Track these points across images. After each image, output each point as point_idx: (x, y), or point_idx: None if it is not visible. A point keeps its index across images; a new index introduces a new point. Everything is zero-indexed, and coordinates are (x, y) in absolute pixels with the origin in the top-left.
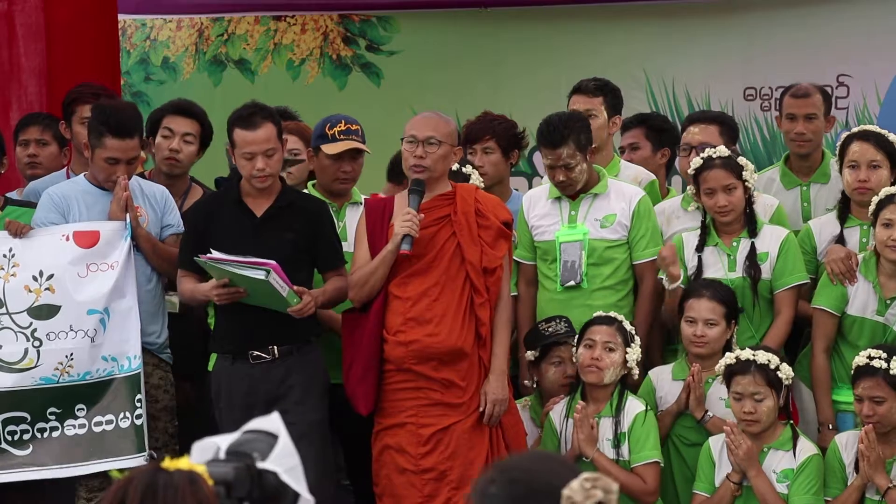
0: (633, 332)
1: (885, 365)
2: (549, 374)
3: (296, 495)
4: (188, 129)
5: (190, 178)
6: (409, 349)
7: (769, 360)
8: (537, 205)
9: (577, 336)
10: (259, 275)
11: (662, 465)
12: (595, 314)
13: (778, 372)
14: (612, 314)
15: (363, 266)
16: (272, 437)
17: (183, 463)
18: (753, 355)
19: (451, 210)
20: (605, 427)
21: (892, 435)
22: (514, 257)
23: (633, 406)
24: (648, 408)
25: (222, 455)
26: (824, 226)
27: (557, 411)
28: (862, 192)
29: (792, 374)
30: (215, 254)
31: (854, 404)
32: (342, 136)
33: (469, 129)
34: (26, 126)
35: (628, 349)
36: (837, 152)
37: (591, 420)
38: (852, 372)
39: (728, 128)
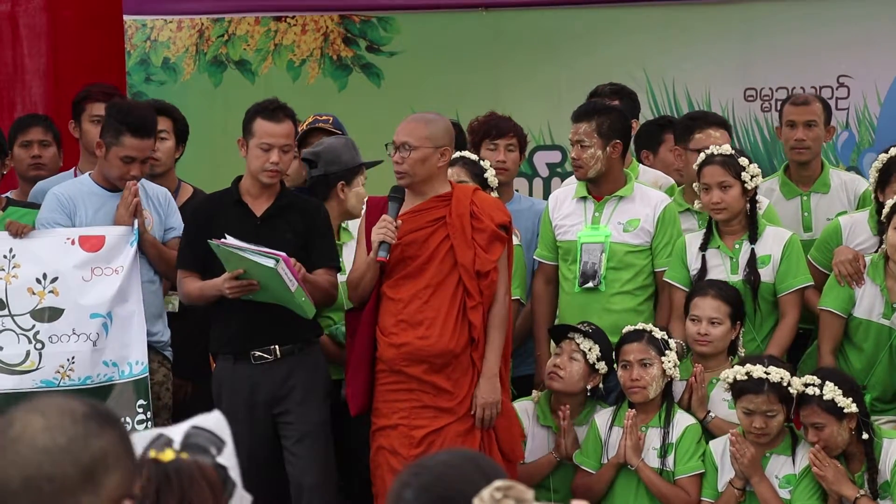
0: (665, 336)
1: (818, 391)
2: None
3: (236, 492)
4: (160, 127)
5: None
6: (401, 351)
7: (782, 378)
8: (563, 205)
9: (614, 352)
10: (269, 262)
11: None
12: (624, 330)
13: (789, 387)
14: (641, 326)
15: (358, 268)
16: (219, 439)
17: (167, 455)
18: (766, 373)
19: (447, 212)
20: (653, 437)
21: (851, 453)
22: (535, 256)
23: (683, 418)
24: (697, 421)
25: (177, 446)
26: (856, 225)
27: (603, 418)
28: None
29: (800, 385)
30: (229, 239)
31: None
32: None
33: (492, 125)
34: (28, 127)
35: (664, 358)
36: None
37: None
38: (795, 400)
39: (729, 135)
